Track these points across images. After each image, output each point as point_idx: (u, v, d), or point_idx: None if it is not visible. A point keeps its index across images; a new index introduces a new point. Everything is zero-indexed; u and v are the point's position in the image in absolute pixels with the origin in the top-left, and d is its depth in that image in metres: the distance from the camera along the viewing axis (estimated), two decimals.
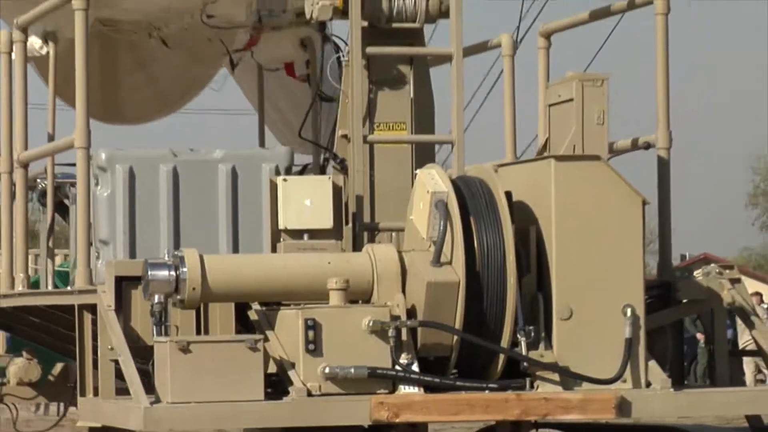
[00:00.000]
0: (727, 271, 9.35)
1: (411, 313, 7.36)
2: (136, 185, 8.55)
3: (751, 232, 69.95)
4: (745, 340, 30.81)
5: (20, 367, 13.49)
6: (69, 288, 9.82)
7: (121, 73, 15.95)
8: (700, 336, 34.43)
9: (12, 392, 13.85)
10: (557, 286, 7.51)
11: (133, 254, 8.38)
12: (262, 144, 14.17)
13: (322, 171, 9.93)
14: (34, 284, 13.16)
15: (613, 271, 7.57)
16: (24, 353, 13.26)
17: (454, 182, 7.73)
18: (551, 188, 7.60)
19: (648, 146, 9.58)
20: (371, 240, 8.71)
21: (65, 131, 12.73)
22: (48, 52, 13.21)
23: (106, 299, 8.02)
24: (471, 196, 7.60)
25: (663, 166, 9.42)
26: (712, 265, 10.18)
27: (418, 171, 8.12)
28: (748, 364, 34.78)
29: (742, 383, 28.40)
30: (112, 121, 17.24)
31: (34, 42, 13.23)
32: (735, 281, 9.08)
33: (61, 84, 16.44)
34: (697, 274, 9.31)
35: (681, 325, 9.75)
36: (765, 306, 33.91)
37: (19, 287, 9.99)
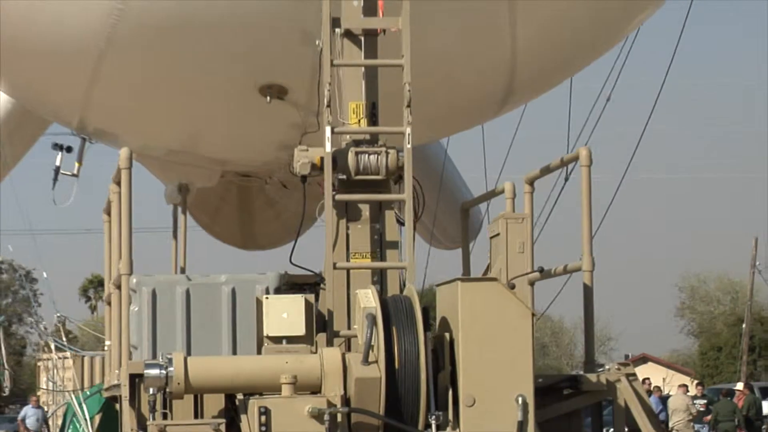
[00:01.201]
0: (625, 367, 10.09)
1: (348, 401, 8.14)
2: (157, 303, 9.39)
3: (680, 338, 77.30)
4: (675, 420, 31.20)
5: None
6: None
7: (255, 211, 17.11)
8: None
9: None
10: (463, 380, 8.16)
11: (155, 356, 8.97)
12: None
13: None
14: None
15: (508, 369, 8.20)
16: None
17: (383, 300, 8.49)
18: (458, 304, 8.32)
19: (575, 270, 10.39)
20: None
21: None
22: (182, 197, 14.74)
23: (123, 392, 9.04)
24: (395, 311, 8.35)
25: (587, 287, 10.16)
26: (614, 363, 11.09)
27: (357, 291, 8.92)
28: None
29: None
30: (249, 248, 18.22)
31: (171, 192, 14.87)
32: (631, 375, 9.81)
33: (210, 222, 17.68)
34: (607, 369, 10.02)
35: (599, 407, 10.28)
36: (689, 395, 32.85)
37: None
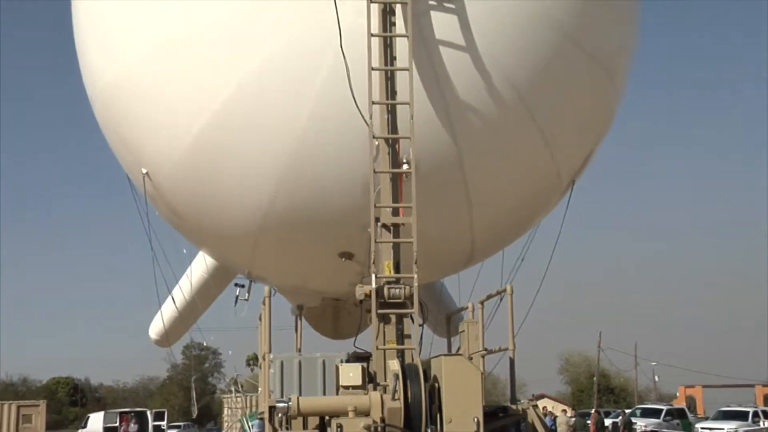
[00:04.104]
0: (531, 401, 10.33)
1: (383, 420, 8.37)
2: (284, 368, 9.84)
3: (561, 385, 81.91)
4: (560, 430, 30.41)
5: None
6: None
7: (342, 316, 16.86)
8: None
9: None
10: (444, 409, 8.48)
11: (282, 396, 9.45)
12: None
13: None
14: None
15: (468, 402, 8.51)
16: None
17: (402, 366, 8.61)
18: (442, 367, 8.61)
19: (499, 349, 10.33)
20: None
21: None
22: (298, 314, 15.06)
23: (266, 415, 9.29)
24: (409, 372, 8.54)
25: (511, 360, 10.22)
26: (525, 399, 11.01)
27: (389, 360, 8.91)
28: None
29: None
30: (336, 339, 17.45)
31: (293, 308, 15.39)
32: (534, 405, 9.93)
33: (315, 324, 17.30)
34: (522, 402, 10.27)
35: (518, 424, 9.98)
36: (568, 415, 33.46)
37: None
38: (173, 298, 16.53)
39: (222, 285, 17.68)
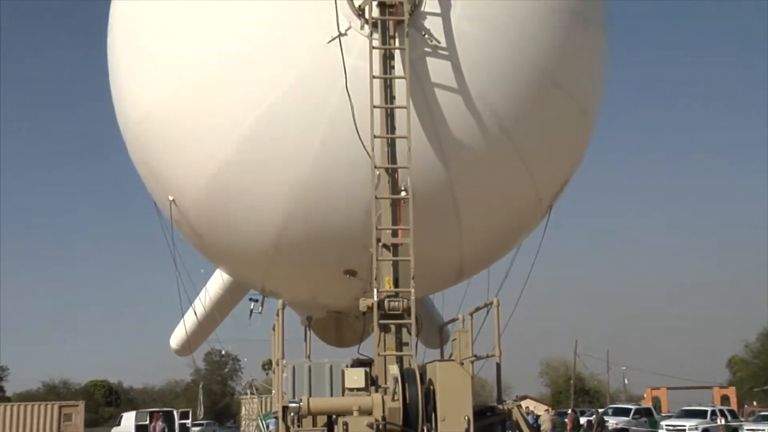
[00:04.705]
0: (516, 401, 10.34)
1: (384, 419, 8.44)
2: (296, 374, 10.01)
3: (542, 387, 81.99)
4: (543, 428, 30.54)
5: None
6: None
7: (344, 326, 16.45)
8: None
9: None
10: (439, 408, 8.47)
11: (294, 397, 9.48)
12: None
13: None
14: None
15: (460, 402, 8.50)
16: None
17: (401, 370, 8.69)
18: (437, 372, 8.61)
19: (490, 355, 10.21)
20: None
21: None
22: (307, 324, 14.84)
23: (279, 414, 9.35)
24: (407, 375, 8.60)
25: (498, 365, 10.22)
26: (510, 399, 11.16)
27: (389, 365, 8.94)
28: None
29: None
30: (340, 347, 17.15)
31: (303, 320, 15.01)
32: (518, 405, 9.94)
33: (322, 334, 16.97)
34: (507, 402, 10.29)
35: (504, 422, 9.96)
36: (549, 414, 33.96)
37: None
38: (195, 311, 16.56)
39: (236, 299, 17.65)
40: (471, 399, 8.53)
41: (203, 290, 17.52)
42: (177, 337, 20.09)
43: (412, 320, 9.19)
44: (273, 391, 12.32)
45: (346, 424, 8.31)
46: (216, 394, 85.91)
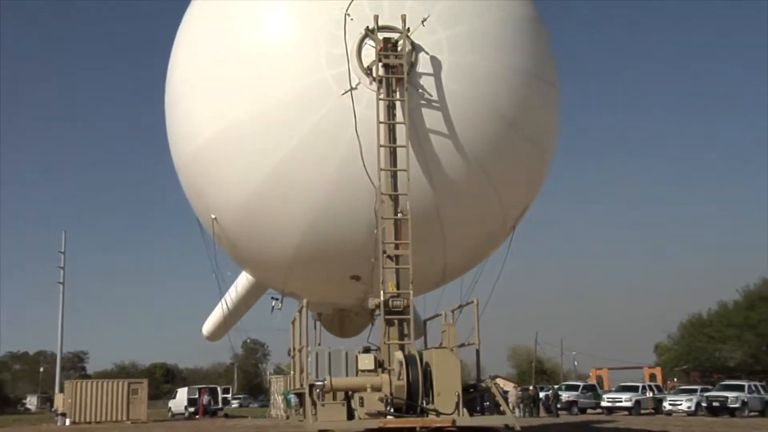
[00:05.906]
0: (492, 380, 10.32)
1: (392, 394, 8.57)
2: (318, 358, 10.04)
3: (508, 369, 78.85)
4: (511, 401, 30.40)
5: None
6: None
7: (346, 321, 16.08)
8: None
9: None
10: (435, 386, 8.53)
11: (317, 377, 9.44)
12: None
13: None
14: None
15: (450, 381, 8.53)
16: None
17: (405, 355, 8.72)
18: (432, 357, 8.68)
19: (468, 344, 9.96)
20: None
21: None
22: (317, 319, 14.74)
23: (306, 391, 9.07)
24: (410, 359, 8.67)
25: (477, 351, 10.08)
26: (488, 378, 10.85)
27: (395, 352, 8.86)
28: None
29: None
30: (342, 337, 16.68)
31: (314, 315, 14.76)
32: (494, 381, 9.84)
33: (329, 327, 16.34)
34: (485, 380, 10.15)
35: (483, 397, 9.99)
36: (516, 389, 35.01)
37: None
38: (226, 303, 16.52)
39: (258, 296, 17.56)
40: (460, 378, 8.66)
41: (232, 287, 17.49)
42: (208, 325, 20.22)
43: (411, 316, 9.26)
44: (290, 372, 12.19)
45: (362, 398, 8.49)
46: (250, 374, 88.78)
